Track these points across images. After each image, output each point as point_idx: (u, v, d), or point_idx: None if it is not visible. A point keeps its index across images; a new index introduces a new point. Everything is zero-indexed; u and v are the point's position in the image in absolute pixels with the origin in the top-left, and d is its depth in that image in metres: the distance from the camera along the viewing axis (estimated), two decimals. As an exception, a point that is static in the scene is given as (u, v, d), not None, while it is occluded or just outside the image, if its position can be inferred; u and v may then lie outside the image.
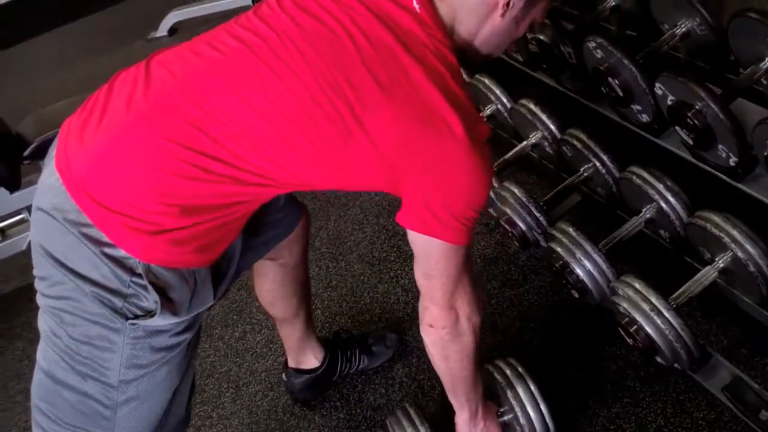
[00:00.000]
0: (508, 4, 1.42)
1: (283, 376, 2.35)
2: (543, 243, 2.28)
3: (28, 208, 3.06)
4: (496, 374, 1.94)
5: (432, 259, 1.50)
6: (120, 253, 1.36)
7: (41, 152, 2.88)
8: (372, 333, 2.43)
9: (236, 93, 1.34)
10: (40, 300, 1.49)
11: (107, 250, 1.36)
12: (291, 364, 2.30)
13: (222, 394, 2.51)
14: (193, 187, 1.35)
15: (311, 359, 2.27)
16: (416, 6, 1.39)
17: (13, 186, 2.96)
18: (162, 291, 1.40)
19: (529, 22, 1.52)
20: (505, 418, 1.92)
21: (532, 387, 1.90)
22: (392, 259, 2.74)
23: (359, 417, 2.29)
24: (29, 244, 2.94)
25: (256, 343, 2.63)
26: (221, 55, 1.39)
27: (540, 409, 1.89)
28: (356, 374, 2.38)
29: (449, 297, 1.55)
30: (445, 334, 1.59)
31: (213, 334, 2.71)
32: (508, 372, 1.93)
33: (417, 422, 1.95)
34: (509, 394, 1.90)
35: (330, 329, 2.50)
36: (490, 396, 1.91)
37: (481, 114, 2.74)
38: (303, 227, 1.96)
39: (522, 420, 1.88)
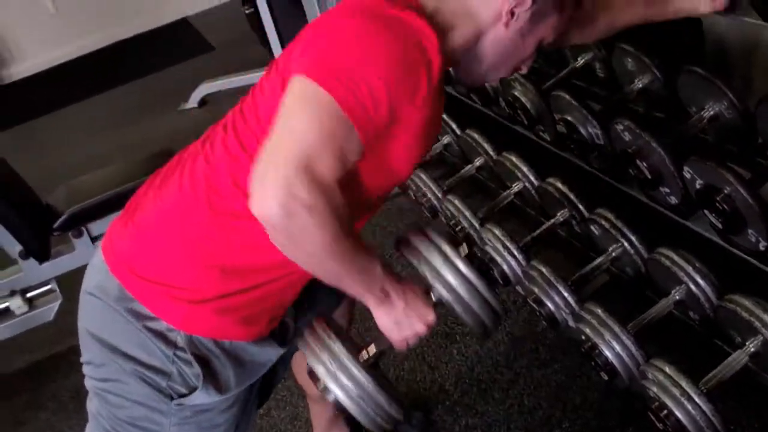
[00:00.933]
0: (512, 12, 1.32)
1: (308, 455, 2.33)
2: (572, 324, 2.26)
3: (57, 279, 3.09)
4: (408, 254, 1.47)
5: (286, 113, 1.20)
6: (162, 325, 1.37)
7: (72, 223, 2.93)
8: (397, 411, 2.40)
9: None
10: (87, 383, 1.50)
11: (149, 323, 1.37)
12: (317, 443, 2.28)
13: (246, 471, 2.49)
14: (228, 238, 1.35)
15: (338, 439, 2.25)
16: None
17: (42, 257, 2.99)
18: (205, 363, 1.40)
19: (538, 40, 1.41)
20: (434, 297, 1.46)
21: (447, 249, 1.43)
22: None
23: (384, 498, 2.25)
24: (56, 314, 3.00)
25: (281, 420, 2.61)
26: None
27: (462, 272, 1.42)
28: (381, 453, 2.35)
29: (289, 173, 1.14)
30: (281, 237, 1.20)
31: (237, 409, 2.70)
32: (420, 248, 1.44)
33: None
34: (424, 267, 1.43)
35: (355, 407, 2.48)
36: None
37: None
38: (349, 302, 1.95)
39: (444, 292, 1.42)
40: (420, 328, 1.45)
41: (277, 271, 1.41)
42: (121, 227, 1.44)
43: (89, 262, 1.49)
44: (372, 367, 1.46)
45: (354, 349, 1.45)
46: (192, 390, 1.41)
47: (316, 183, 1.15)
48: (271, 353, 1.51)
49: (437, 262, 1.41)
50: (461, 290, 1.41)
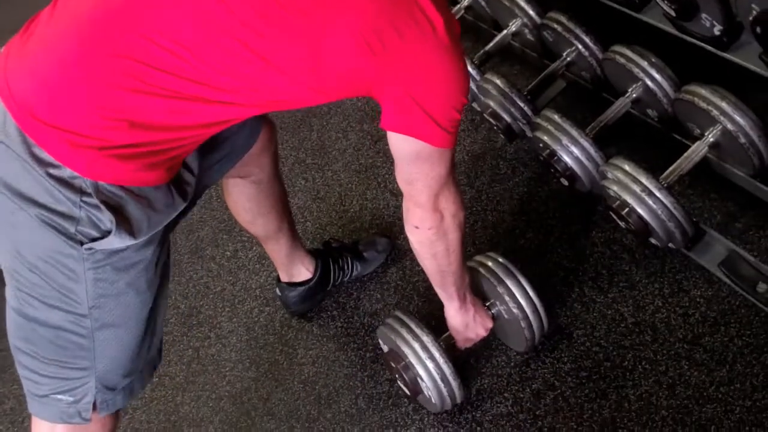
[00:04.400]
0: None
1: (277, 290, 2.33)
2: (529, 133, 2.22)
3: None
4: (480, 269, 1.89)
5: (415, 164, 1.44)
6: (66, 172, 1.29)
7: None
8: (363, 239, 2.39)
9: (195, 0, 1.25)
10: None
11: (52, 170, 1.29)
12: (283, 278, 2.27)
13: (218, 313, 2.50)
14: (145, 102, 1.27)
15: (302, 271, 2.24)
16: None
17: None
18: (115, 210, 1.33)
19: None
20: (493, 310, 1.90)
21: (517, 274, 1.86)
22: (378, 164, 2.69)
23: (357, 324, 2.27)
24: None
25: (248, 260, 2.60)
26: None
27: (529, 296, 1.85)
28: (351, 282, 2.36)
29: (434, 199, 1.50)
30: (432, 234, 1.56)
31: (204, 254, 2.68)
32: (490, 264, 1.88)
33: (412, 325, 1.90)
34: (495, 284, 1.86)
35: (321, 240, 2.46)
36: (475, 292, 1.87)
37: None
38: (267, 138, 1.86)
39: (512, 307, 1.84)
40: (481, 333, 1.89)
41: (191, 130, 1.35)
42: (17, 64, 1.31)
43: None
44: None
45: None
46: (104, 234, 1.35)
47: (458, 204, 1.54)
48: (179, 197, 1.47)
49: (511, 284, 1.85)
50: (528, 310, 1.85)
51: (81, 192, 1.31)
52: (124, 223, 1.35)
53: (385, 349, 2.00)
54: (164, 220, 1.44)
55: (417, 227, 1.56)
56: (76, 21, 1.29)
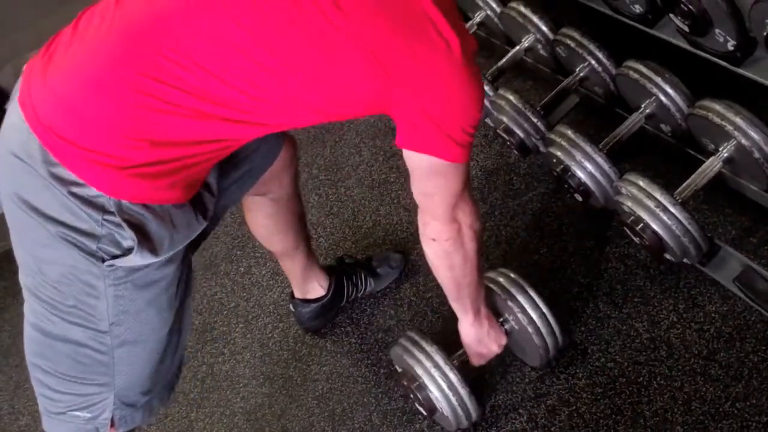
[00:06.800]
0: None
1: (291, 306, 2.33)
2: (542, 149, 2.22)
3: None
4: (491, 285, 1.88)
5: (432, 179, 1.45)
6: (89, 191, 1.30)
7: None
8: (376, 255, 2.40)
9: (210, 20, 1.25)
10: (17, 253, 1.43)
11: (75, 189, 1.30)
12: (297, 295, 2.28)
13: (232, 329, 2.50)
14: (165, 120, 1.28)
15: (317, 288, 2.24)
16: None
17: None
18: (138, 228, 1.34)
19: None
20: (506, 326, 1.89)
21: (528, 289, 1.86)
22: (392, 180, 2.69)
23: (371, 340, 2.28)
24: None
25: (262, 277, 2.61)
26: None
27: (541, 309, 1.85)
28: (364, 298, 2.36)
29: (450, 211, 1.50)
30: (448, 246, 1.55)
31: (218, 270, 2.69)
32: (501, 280, 1.88)
33: (424, 344, 1.89)
34: (506, 299, 1.85)
35: (334, 256, 2.47)
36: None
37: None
38: (289, 156, 1.88)
39: (524, 322, 1.83)
40: (495, 349, 1.87)
41: (209, 145, 1.35)
42: (40, 84, 1.32)
43: (7, 119, 1.37)
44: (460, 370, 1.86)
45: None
46: (125, 252, 1.36)
47: (474, 215, 1.54)
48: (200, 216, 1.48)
49: (522, 298, 1.84)
50: (539, 324, 1.84)
51: (103, 210, 1.31)
52: (146, 241, 1.36)
53: (399, 369, 1.99)
54: (185, 239, 1.45)
55: (434, 239, 1.55)
56: (98, 43, 1.30)
